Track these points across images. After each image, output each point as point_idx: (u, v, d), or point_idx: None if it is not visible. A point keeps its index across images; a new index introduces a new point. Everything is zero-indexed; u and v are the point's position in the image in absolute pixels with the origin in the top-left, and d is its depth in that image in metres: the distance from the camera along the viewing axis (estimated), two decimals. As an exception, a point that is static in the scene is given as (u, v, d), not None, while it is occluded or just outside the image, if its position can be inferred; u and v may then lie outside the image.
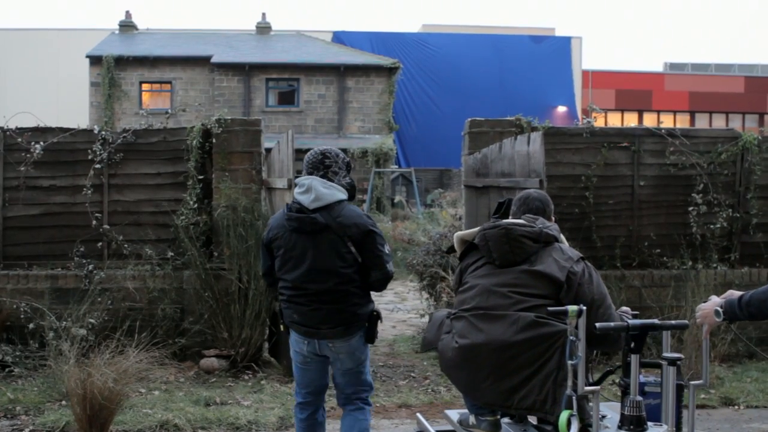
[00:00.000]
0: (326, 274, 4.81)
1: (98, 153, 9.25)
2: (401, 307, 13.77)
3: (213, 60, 33.63)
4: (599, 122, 10.14)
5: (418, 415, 6.85)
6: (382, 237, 4.95)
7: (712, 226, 9.78)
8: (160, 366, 7.62)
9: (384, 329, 12.05)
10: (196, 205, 9.14)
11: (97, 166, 9.25)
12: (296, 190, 4.90)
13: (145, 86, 34.63)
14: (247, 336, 8.62)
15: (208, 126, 9.35)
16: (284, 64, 34.13)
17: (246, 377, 8.38)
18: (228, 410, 7.05)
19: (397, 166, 34.88)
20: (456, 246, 4.87)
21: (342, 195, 4.88)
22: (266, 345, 9.04)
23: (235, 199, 9.03)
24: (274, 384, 8.07)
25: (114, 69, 33.69)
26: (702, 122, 46.17)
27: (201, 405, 7.26)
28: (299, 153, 9.59)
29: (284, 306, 5.03)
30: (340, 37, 41.85)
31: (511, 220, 4.82)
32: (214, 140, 9.28)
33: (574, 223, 9.64)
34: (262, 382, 8.16)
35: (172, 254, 9.08)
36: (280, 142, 8.97)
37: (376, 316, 5.00)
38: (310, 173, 4.91)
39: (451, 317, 4.59)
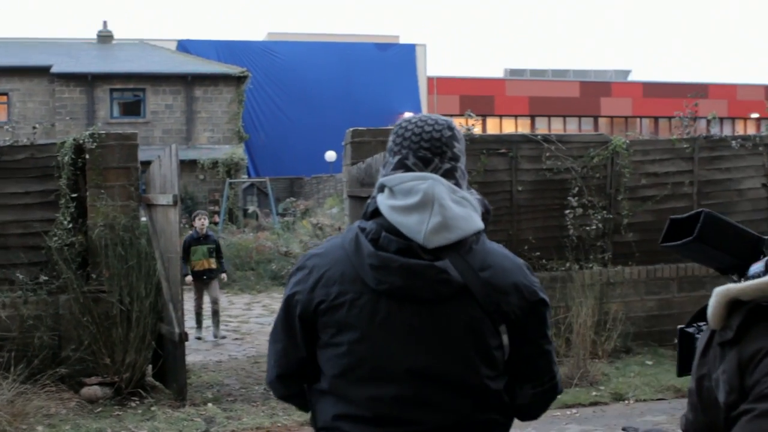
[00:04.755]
0: (455, 390, 2.18)
1: (-42, 172, 8.60)
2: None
3: (53, 70, 32.13)
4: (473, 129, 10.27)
5: None
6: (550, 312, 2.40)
7: (587, 228, 10.07)
8: (40, 399, 7.16)
9: (260, 344, 11.83)
10: (70, 225, 8.64)
11: (-42, 186, 8.61)
12: (391, 199, 2.18)
13: (-22, 98, 32.75)
14: (132, 360, 8.21)
15: (81, 141, 8.86)
16: (129, 73, 33.02)
17: (133, 404, 7.97)
18: (125, 441, 6.67)
19: (246, 176, 34.40)
20: (718, 312, 1.71)
21: (480, 220, 2.23)
22: (149, 369, 8.64)
23: (112, 217, 8.60)
24: (166, 410, 7.71)
25: (-56, 80, 31.71)
26: (541, 126, 47.93)
27: (93, 438, 6.84)
28: (145, 166, 9.28)
29: None
30: (186, 46, 40.97)
31: None
32: (87, 156, 8.79)
33: (458, 230, 9.71)
34: (153, 408, 7.78)
35: (46, 278, 8.55)
36: (162, 156, 8.61)
37: None
38: (420, 161, 2.23)
39: None
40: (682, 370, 2.04)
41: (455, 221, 2.13)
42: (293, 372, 2.33)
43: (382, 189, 2.20)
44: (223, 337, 11.92)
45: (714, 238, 1.92)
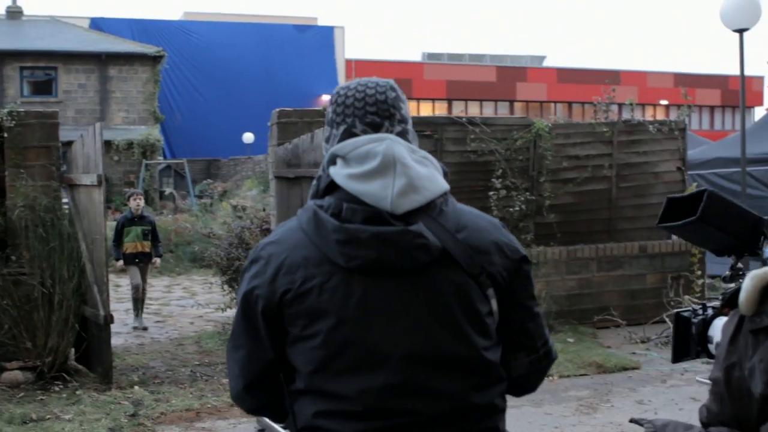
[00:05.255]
0: (451, 369, 1.96)
1: None
2: (196, 302, 13.37)
3: (-42, 46, 31.06)
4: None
5: (258, 413, 6.70)
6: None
7: (510, 209, 10.25)
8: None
9: (182, 326, 11.74)
10: (-13, 206, 8.39)
11: None
12: (347, 168, 1.98)
13: None
14: (55, 344, 8.03)
15: (-1, 119, 8.60)
16: (40, 51, 32.11)
17: (57, 389, 7.80)
18: (51, 426, 6.54)
19: (162, 158, 33.87)
20: (752, 296, 1.77)
21: (443, 179, 2.05)
22: (72, 352, 8.47)
23: (33, 198, 8.37)
24: (92, 393, 7.57)
25: None
26: (458, 109, 48.34)
27: (17, 423, 6.68)
28: (65, 146, 9.07)
29: None
30: (99, 24, 39.98)
31: None
32: (5, 134, 8.54)
33: (384, 211, 9.79)
34: (78, 392, 7.63)
35: (-37, 260, 8.29)
36: (84, 136, 8.42)
37: None
38: (369, 127, 2.04)
39: None
40: (678, 355, 1.96)
41: (421, 181, 1.93)
42: (262, 379, 2.05)
43: (333, 161, 1.99)
44: (145, 328, 11.17)
45: (717, 219, 1.84)
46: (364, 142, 1.96)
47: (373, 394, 1.89)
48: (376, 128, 2.01)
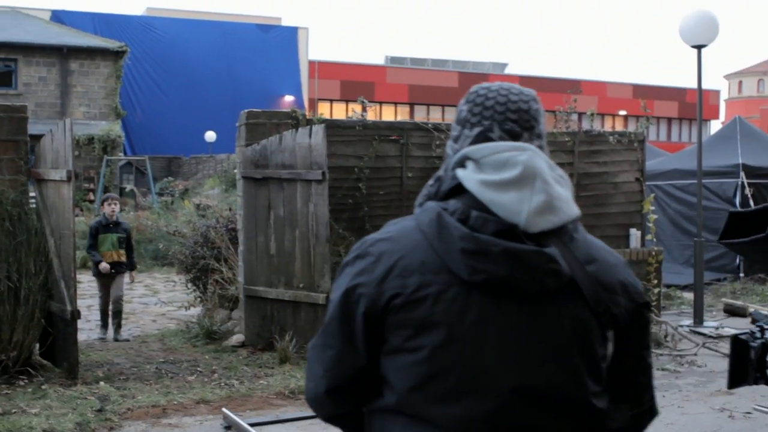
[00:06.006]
0: (557, 409, 1.80)
1: None
2: (159, 300, 13.38)
3: None
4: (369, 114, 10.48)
5: (225, 410, 6.84)
6: None
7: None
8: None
9: (145, 324, 11.78)
10: (-46, 199, 8.36)
11: None
12: (480, 173, 1.81)
13: None
14: (20, 339, 8.04)
15: (-34, 112, 8.59)
16: (0, 42, 31.73)
17: (22, 383, 7.81)
18: (17, 420, 6.56)
19: (123, 154, 33.66)
20: None
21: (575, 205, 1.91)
22: (38, 347, 8.48)
23: (0, 191, 8.37)
24: (58, 388, 7.60)
25: None
26: (420, 114, 48.61)
27: (-17, 416, 6.71)
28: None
29: None
30: (60, 17, 39.61)
31: None
32: (-27, 128, 8.53)
33: (350, 213, 9.94)
34: (44, 386, 7.65)
35: (-72, 252, 8.26)
36: (54, 130, 8.44)
37: None
38: (508, 135, 1.89)
39: None
40: (735, 381, 1.79)
41: (559, 202, 1.77)
42: (348, 385, 1.87)
43: (462, 163, 1.82)
44: (126, 340, 10.34)
45: None
46: (505, 148, 1.80)
47: (476, 425, 1.73)
48: (514, 137, 1.86)
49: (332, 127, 9.93)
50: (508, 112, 1.88)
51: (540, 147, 1.89)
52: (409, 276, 1.75)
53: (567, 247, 1.78)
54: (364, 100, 10.72)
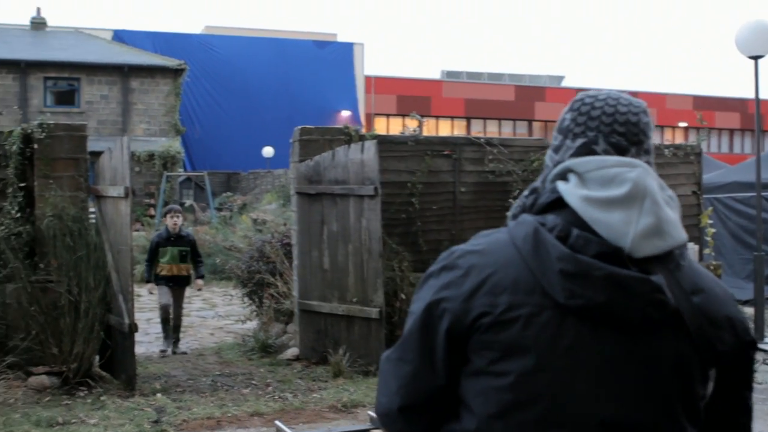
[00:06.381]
0: None
1: None
2: (216, 314, 13.57)
3: (-16, 56, 31.54)
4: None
5: (277, 422, 6.92)
6: None
7: (527, 230, 10.39)
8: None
9: (203, 337, 11.94)
10: (18, 215, 8.64)
11: None
12: (583, 188, 1.69)
13: None
14: (80, 351, 8.25)
15: (29, 130, 8.86)
16: (64, 62, 32.58)
17: (82, 394, 8.02)
18: (76, 430, 6.74)
19: (183, 170, 34.21)
20: None
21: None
22: (97, 359, 8.68)
23: (61, 207, 8.61)
24: (116, 399, 7.77)
25: None
26: (477, 128, 48.55)
27: (44, 426, 6.89)
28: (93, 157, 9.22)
29: None
30: (121, 36, 40.47)
31: None
32: (35, 146, 8.79)
33: (403, 228, 9.99)
34: (102, 398, 7.84)
35: (-8, 267, 8.53)
36: (113, 149, 8.66)
37: None
38: (614, 150, 1.76)
39: None
40: None
41: (668, 226, 1.63)
42: (423, 404, 1.74)
43: (563, 175, 1.70)
44: (184, 353, 10.37)
45: None
46: (613, 163, 1.66)
47: None
48: (620, 152, 1.72)
49: (384, 142, 10.00)
50: (615, 124, 1.73)
51: (648, 163, 1.74)
52: (499, 294, 1.62)
53: (673, 276, 1.63)
54: (417, 116, 10.78)
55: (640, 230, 1.59)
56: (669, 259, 1.63)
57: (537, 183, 1.77)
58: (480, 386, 1.65)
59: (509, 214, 1.79)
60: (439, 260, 1.75)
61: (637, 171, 1.65)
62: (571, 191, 1.65)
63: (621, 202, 1.61)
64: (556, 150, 1.79)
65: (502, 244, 1.68)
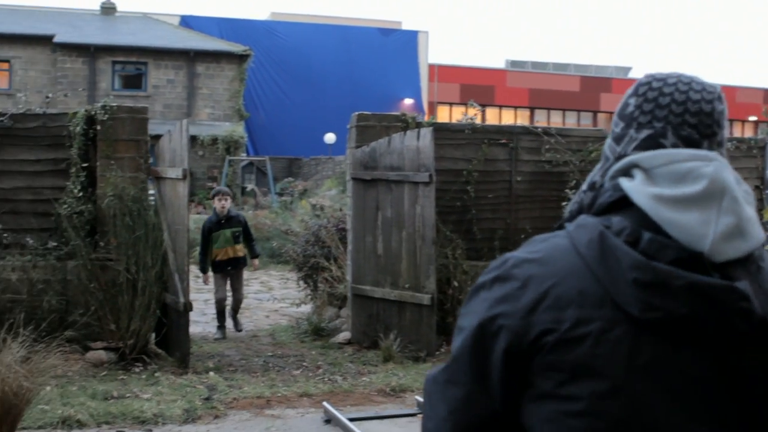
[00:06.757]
0: None
1: (-27, 137, 8.80)
2: (272, 297, 13.74)
3: (56, 40, 32.24)
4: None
5: (326, 404, 7.01)
6: None
7: (582, 220, 10.32)
8: (51, 359, 7.39)
9: (258, 319, 12.10)
10: (80, 194, 8.86)
11: (-28, 151, 8.80)
12: (652, 186, 1.47)
13: (-20, 64, 32.88)
14: (136, 328, 8.45)
15: (93, 112, 9.08)
16: (132, 47, 33.16)
17: (137, 370, 8.22)
18: (130, 404, 6.92)
19: (245, 155, 34.62)
20: None
21: None
22: (152, 337, 8.88)
23: (121, 188, 8.82)
24: (169, 376, 7.96)
25: (-54, 45, 31.80)
26: (541, 118, 48.16)
27: (99, 399, 7.09)
28: (153, 140, 9.42)
29: None
30: (188, 22, 41.04)
31: None
32: (98, 127, 9.01)
33: (457, 216, 10.00)
34: (157, 374, 8.03)
35: (55, 244, 8.78)
36: (172, 131, 8.83)
37: None
38: (684, 140, 1.53)
39: None
40: None
41: (749, 225, 1.46)
42: (475, 431, 1.53)
43: (626, 171, 1.51)
44: (240, 331, 10.52)
45: None
46: (686, 157, 1.48)
47: None
48: (691, 146, 1.51)
49: (441, 130, 10.01)
50: (686, 114, 1.53)
51: (722, 152, 1.55)
52: (564, 308, 1.42)
53: (755, 280, 1.44)
54: (475, 104, 10.76)
55: (720, 231, 1.41)
56: (749, 262, 1.45)
57: (596, 176, 1.59)
58: (548, 412, 1.45)
59: (565, 212, 1.61)
60: (489, 269, 1.53)
61: (713, 165, 1.46)
62: (638, 189, 1.46)
63: (697, 200, 1.42)
64: (617, 140, 1.58)
65: (562, 251, 1.48)
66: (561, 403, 1.42)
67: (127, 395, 7.26)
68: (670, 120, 1.52)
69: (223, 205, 10.33)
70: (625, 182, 1.48)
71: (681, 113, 1.51)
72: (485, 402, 1.50)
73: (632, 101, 1.58)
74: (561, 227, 1.54)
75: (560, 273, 1.44)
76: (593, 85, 50.17)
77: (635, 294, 1.37)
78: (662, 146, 1.51)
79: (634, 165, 1.49)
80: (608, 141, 1.60)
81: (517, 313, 1.43)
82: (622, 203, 1.48)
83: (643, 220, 1.43)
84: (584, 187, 1.59)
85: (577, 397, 1.40)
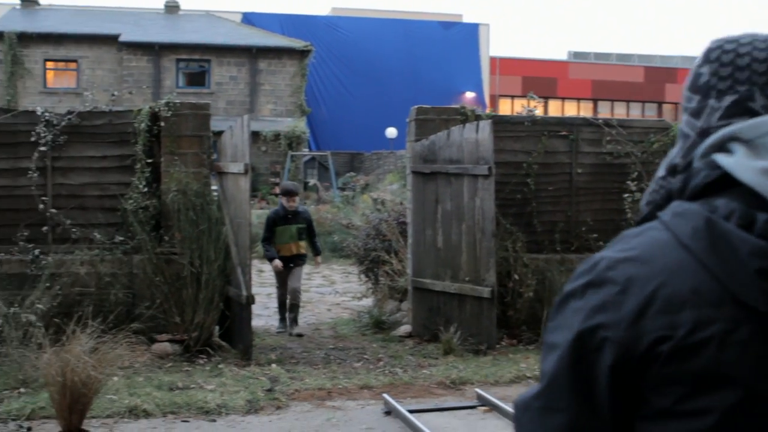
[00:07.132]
0: None
1: (42, 135, 9.04)
2: (334, 290, 13.86)
3: (121, 39, 32.92)
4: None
5: (386, 395, 7.06)
6: None
7: (645, 212, 10.20)
8: (119, 350, 7.58)
9: (320, 312, 12.21)
10: (145, 189, 9.05)
11: (42, 148, 9.04)
12: (757, 159, 1.23)
13: (49, 64, 33.69)
14: (200, 320, 8.61)
15: (156, 109, 9.27)
16: (195, 44, 33.68)
17: (201, 361, 8.38)
18: (194, 394, 7.06)
19: (307, 150, 34.91)
20: None
21: None
22: (216, 329, 9.03)
23: (185, 183, 8.99)
24: (232, 368, 8.10)
25: (17, 46, 32.62)
26: (604, 110, 47.56)
27: (164, 390, 7.25)
28: (216, 136, 9.51)
29: None
30: (250, 19, 41.51)
31: None
32: (162, 123, 9.18)
33: (517, 208, 9.97)
34: (220, 366, 8.18)
35: (121, 238, 8.98)
36: (234, 127, 8.96)
37: None
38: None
39: None
40: None
41: None
42: None
43: (721, 146, 1.28)
44: (300, 335, 10.06)
45: None
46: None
47: None
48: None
49: (500, 122, 9.98)
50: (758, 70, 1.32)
51: None
52: (678, 311, 1.21)
53: None
54: (533, 95, 10.70)
55: None
56: None
57: (675, 159, 1.38)
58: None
59: (643, 202, 1.39)
60: (578, 275, 1.31)
61: None
62: (742, 164, 1.24)
63: None
64: (695, 114, 1.37)
65: (663, 246, 1.25)
66: (685, 421, 1.21)
67: (192, 386, 7.41)
68: (754, 80, 1.32)
69: (291, 204, 10.20)
70: (723, 158, 1.27)
71: (766, 71, 1.31)
72: (594, 427, 1.26)
73: (705, 69, 1.39)
74: (646, 220, 1.33)
75: (666, 271, 1.23)
76: (658, 76, 49.36)
77: (761, 285, 1.18)
78: (751, 110, 1.31)
79: (733, 137, 1.27)
80: (685, 117, 1.41)
81: (622, 323, 1.22)
82: (722, 183, 1.27)
83: (754, 200, 1.22)
84: (661, 172, 1.38)
85: (705, 411, 1.20)
